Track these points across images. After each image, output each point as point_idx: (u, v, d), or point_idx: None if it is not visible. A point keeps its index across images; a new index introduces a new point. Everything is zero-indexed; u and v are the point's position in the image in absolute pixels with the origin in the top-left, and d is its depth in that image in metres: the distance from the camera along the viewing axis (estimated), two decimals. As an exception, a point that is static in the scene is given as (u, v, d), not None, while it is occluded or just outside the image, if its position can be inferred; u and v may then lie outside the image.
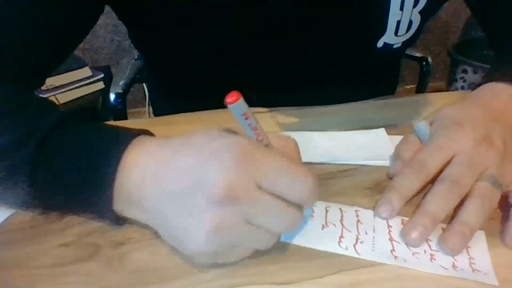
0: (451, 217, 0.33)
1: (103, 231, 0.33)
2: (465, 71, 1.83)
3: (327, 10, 0.46)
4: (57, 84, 1.33)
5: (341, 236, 0.32)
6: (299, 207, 0.28)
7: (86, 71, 1.41)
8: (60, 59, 0.47)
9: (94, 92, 1.43)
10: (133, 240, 0.32)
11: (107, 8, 0.47)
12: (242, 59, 0.51)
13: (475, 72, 1.79)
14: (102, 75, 1.44)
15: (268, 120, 0.50)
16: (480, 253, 0.31)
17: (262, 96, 0.48)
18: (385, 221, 0.34)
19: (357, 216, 0.35)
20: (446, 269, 0.30)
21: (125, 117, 0.83)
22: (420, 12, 0.47)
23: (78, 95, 1.39)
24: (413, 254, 0.31)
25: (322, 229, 0.33)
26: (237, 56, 0.50)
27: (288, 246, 0.32)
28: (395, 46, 0.50)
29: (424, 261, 0.30)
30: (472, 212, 0.32)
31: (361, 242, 0.32)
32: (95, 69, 1.46)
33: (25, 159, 0.30)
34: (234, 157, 0.26)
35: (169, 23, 0.47)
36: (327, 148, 0.44)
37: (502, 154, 0.35)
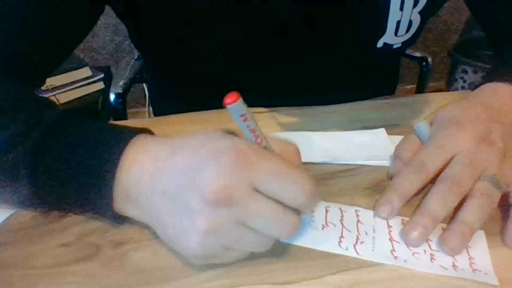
0: (451, 217, 0.33)
1: (103, 231, 0.33)
2: (465, 71, 1.83)
3: (327, 11, 0.46)
4: (57, 84, 1.33)
5: (341, 236, 0.32)
6: (297, 212, 0.28)
7: (86, 71, 1.40)
8: (60, 59, 0.47)
9: (94, 92, 1.43)
10: (133, 240, 0.32)
11: (107, 8, 0.47)
12: (242, 59, 0.51)
13: (475, 72, 1.79)
14: (102, 75, 1.44)
15: (268, 120, 0.50)
16: (480, 253, 0.31)
17: (262, 96, 0.48)
18: (385, 221, 0.34)
19: (357, 216, 0.35)
20: (446, 269, 0.30)
21: (125, 117, 0.83)
22: (420, 12, 0.46)
23: (78, 95, 1.39)
24: (413, 254, 0.31)
25: (322, 229, 0.33)
26: (237, 56, 0.50)
27: (288, 246, 0.32)
28: (395, 46, 0.50)
29: (424, 261, 0.30)
30: (472, 212, 0.32)
31: (361, 242, 0.32)
32: (95, 69, 1.46)
33: (25, 156, 0.30)
34: (230, 159, 0.26)
35: (169, 23, 0.47)
36: (327, 148, 0.44)
37: (502, 154, 0.35)
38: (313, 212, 0.34)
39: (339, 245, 0.32)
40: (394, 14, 0.46)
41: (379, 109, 0.53)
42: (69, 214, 0.35)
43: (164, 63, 0.58)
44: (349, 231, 0.33)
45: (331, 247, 0.31)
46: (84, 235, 0.33)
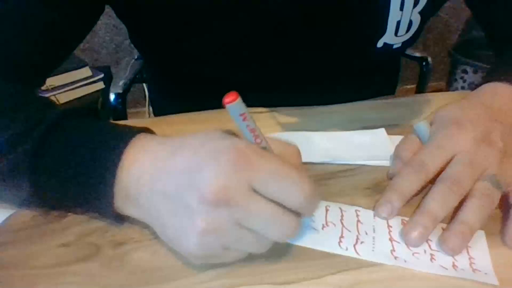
0: (451, 217, 0.33)
1: (103, 231, 0.33)
2: (465, 71, 1.83)
3: (327, 11, 0.46)
4: (57, 84, 1.33)
5: (341, 236, 0.32)
6: (296, 214, 0.27)
7: (86, 71, 1.40)
8: (60, 59, 0.47)
9: (94, 92, 1.43)
10: (133, 240, 0.32)
11: (107, 8, 0.47)
12: (242, 59, 0.51)
13: (475, 72, 1.79)
14: (102, 75, 1.44)
15: (268, 120, 0.50)
16: (480, 253, 0.31)
17: (262, 96, 0.49)
18: (385, 221, 0.34)
19: (357, 216, 0.35)
20: (446, 269, 0.30)
21: (125, 117, 0.83)
22: (420, 13, 0.47)
23: (78, 95, 1.39)
24: (413, 254, 0.31)
25: (322, 228, 0.33)
26: (237, 56, 0.50)
27: (288, 246, 0.32)
28: (395, 46, 0.50)
29: (424, 261, 0.30)
30: (472, 212, 0.32)
31: (361, 243, 0.32)
32: (95, 69, 1.46)
33: (25, 156, 0.30)
34: (230, 159, 0.26)
35: (169, 23, 0.47)
36: (327, 148, 0.44)
37: (502, 154, 0.35)
38: (313, 215, 0.34)
39: (339, 245, 0.32)
40: (394, 14, 0.46)
41: (379, 109, 0.53)
42: (69, 214, 0.35)
43: (164, 63, 0.58)
44: (349, 231, 0.33)
45: (331, 247, 0.31)
46: (84, 235, 0.33)
